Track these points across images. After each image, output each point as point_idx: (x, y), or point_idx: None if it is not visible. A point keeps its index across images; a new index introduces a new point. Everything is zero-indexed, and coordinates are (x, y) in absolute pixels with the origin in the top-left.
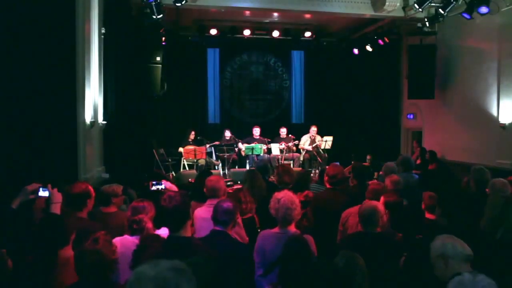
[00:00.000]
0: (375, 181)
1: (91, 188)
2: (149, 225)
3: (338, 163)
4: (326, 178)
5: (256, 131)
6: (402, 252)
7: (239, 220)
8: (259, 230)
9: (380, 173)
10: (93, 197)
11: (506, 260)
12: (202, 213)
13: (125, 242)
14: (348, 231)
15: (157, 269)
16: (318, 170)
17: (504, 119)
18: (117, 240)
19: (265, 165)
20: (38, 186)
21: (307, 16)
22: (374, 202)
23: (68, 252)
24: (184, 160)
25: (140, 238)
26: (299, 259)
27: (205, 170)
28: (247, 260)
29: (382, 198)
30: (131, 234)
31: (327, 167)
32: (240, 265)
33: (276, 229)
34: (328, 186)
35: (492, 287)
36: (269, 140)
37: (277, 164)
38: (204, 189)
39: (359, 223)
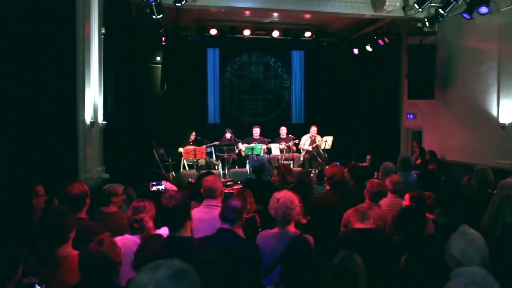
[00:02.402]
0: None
1: (86, 187)
2: (150, 224)
3: (338, 163)
4: (325, 178)
5: (256, 131)
6: (399, 251)
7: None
8: (260, 230)
9: (379, 174)
10: (89, 195)
11: (504, 257)
12: (199, 214)
13: (125, 242)
14: None
15: (155, 279)
16: (318, 170)
17: (504, 119)
18: (117, 240)
19: (261, 165)
20: (34, 282)
21: (307, 16)
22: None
23: (67, 250)
24: (184, 160)
25: (142, 237)
26: (301, 259)
27: (207, 171)
28: (255, 259)
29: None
30: (132, 234)
31: (326, 167)
32: (248, 263)
33: (275, 230)
34: (327, 187)
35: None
36: (269, 140)
37: (277, 164)
38: (201, 190)
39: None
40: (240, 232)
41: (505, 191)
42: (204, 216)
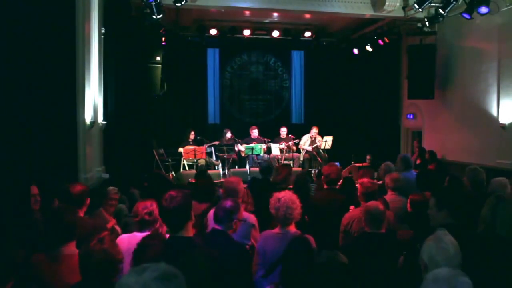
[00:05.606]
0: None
1: (85, 187)
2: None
3: (338, 164)
4: (322, 177)
5: (254, 132)
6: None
7: (256, 223)
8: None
9: (380, 173)
10: (88, 195)
11: (499, 257)
12: None
13: (132, 240)
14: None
15: (141, 281)
16: (318, 170)
17: (504, 119)
18: (124, 237)
19: (269, 166)
20: None
21: (307, 16)
22: (375, 202)
23: (71, 249)
24: (184, 160)
25: (152, 230)
26: (301, 259)
27: (203, 170)
28: (245, 260)
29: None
30: (141, 230)
31: (323, 167)
32: (238, 264)
33: (276, 230)
34: (325, 186)
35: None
36: (269, 140)
37: (277, 165)
38: (221, 190)
39: (364, 223)
40: (257, 235)
41: (497, 191)
42: None
